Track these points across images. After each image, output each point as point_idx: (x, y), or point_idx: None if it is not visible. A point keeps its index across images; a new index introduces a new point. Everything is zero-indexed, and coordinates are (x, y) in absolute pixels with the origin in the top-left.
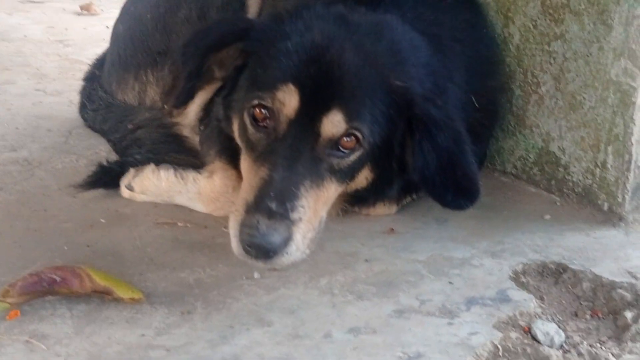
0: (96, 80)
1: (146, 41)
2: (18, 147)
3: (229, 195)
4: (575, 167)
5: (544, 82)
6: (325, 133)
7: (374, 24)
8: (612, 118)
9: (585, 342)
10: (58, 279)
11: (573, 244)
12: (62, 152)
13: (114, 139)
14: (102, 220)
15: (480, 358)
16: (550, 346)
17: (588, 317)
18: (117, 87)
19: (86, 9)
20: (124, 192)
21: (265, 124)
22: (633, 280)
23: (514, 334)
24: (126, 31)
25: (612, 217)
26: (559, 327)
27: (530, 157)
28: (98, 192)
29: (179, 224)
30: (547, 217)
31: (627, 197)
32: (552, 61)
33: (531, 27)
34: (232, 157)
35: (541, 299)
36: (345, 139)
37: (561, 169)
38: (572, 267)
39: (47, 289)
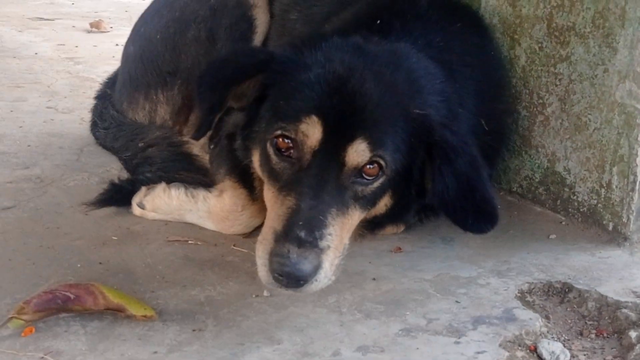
0: (107, 98)
1: (156, 61)
2: (30, 165)
3: (238, 214)
4: (580, 187)
5: (549, 103)
6: (350, 162)
7: (390, 53)
8: (617, 139)
9: None
10: (72, 296)
11: (578, 264)
12: (74, 170)
13: (125, 157)
14: (114, 238)
15: None
16: None
17: (593, 336)
18: (127, 106)
19: (96, 27)
20: (136, 210)
21: (289, 153)
22: (638, 300)
23: (520, 353)
24: (137, 51)
25: (617, 237)
26: (565, 346)
27: (536, 177)
28: (110, 210)
29: (190, 241)
30: (553, 236)
31: (632, 217)
32: (557, 83)
33: (537, 49)
34: (241, 176)
35: (547, 318)
36: (368, 166)
37: (567, 189)
38: (578, 286)
39: (62, 306)
